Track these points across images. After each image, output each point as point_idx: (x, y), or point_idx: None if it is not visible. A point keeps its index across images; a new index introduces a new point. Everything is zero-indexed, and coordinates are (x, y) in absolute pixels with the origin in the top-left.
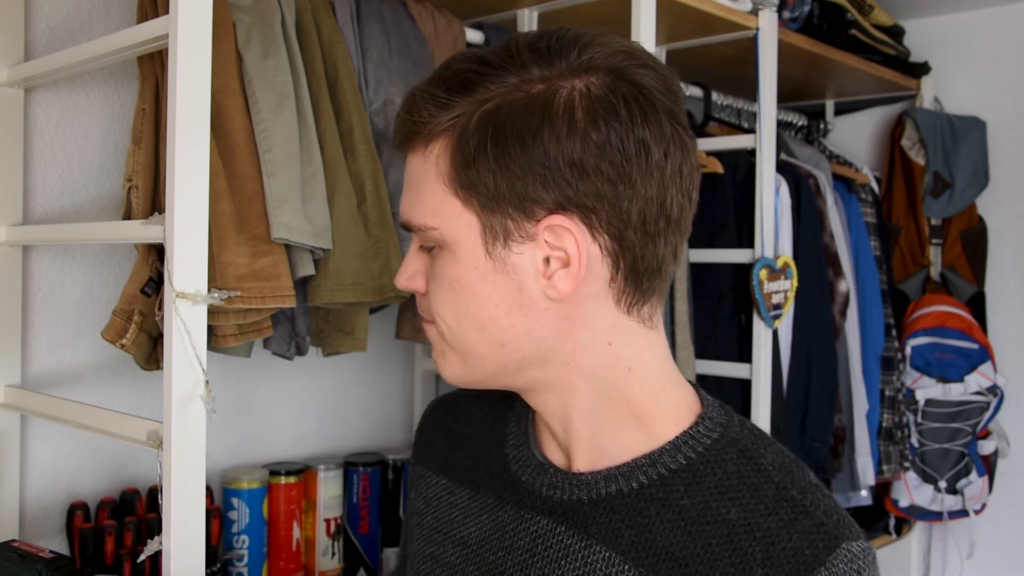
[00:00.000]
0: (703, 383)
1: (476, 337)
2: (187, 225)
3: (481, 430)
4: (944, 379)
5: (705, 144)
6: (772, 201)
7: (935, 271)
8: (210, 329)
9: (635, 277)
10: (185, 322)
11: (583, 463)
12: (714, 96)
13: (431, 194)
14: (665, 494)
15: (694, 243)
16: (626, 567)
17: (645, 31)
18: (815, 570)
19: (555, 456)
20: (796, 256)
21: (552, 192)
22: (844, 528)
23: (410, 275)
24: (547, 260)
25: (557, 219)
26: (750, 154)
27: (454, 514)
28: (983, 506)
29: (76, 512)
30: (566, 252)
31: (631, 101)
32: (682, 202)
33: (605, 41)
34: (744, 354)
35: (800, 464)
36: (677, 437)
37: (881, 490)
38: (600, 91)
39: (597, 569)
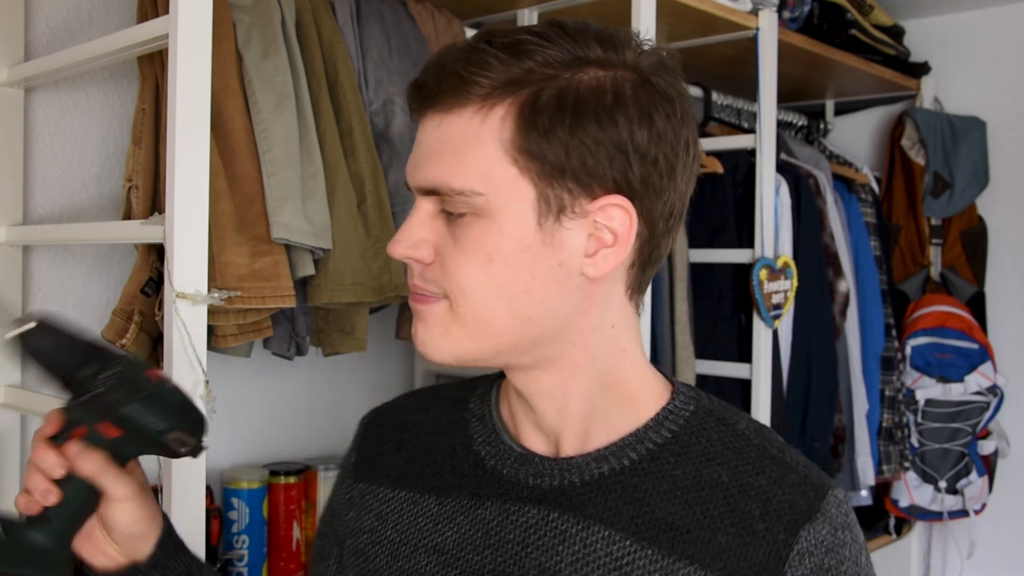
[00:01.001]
0: (703, 383)
1: (501, 310)
2: (187, 225)
3: (437, 436)
4: (944, 379)
5: (705, 144)
6: (772, 201)
7: (935, 271)
8: (210, 329)
9: (646, 267)
10: (185, 322)
11: (571, 447)
12: (714, 96)
13: (482, 158)
14: (657, 467)
15: (694, 243)
16: (627, 543)
17: (645, 31)
18: (812, 518)
19: (536, 445)
20: (796, 256)
21: (616, 173)
22: (824, 478)
23: (413, 243)
24: (588, 238)
25: (616, 199)
26: (750, 154)
27: (422, 523)
28: (983, 506)
29: None
30: (615, 233)
31: (682, 103)
32: (687, 202)
33: (650, 44)
34: (744, 354)
35: (768, 428)
36: (658, 413)
37: (881, 490)
38: (660, 86)
39: (597, 549)
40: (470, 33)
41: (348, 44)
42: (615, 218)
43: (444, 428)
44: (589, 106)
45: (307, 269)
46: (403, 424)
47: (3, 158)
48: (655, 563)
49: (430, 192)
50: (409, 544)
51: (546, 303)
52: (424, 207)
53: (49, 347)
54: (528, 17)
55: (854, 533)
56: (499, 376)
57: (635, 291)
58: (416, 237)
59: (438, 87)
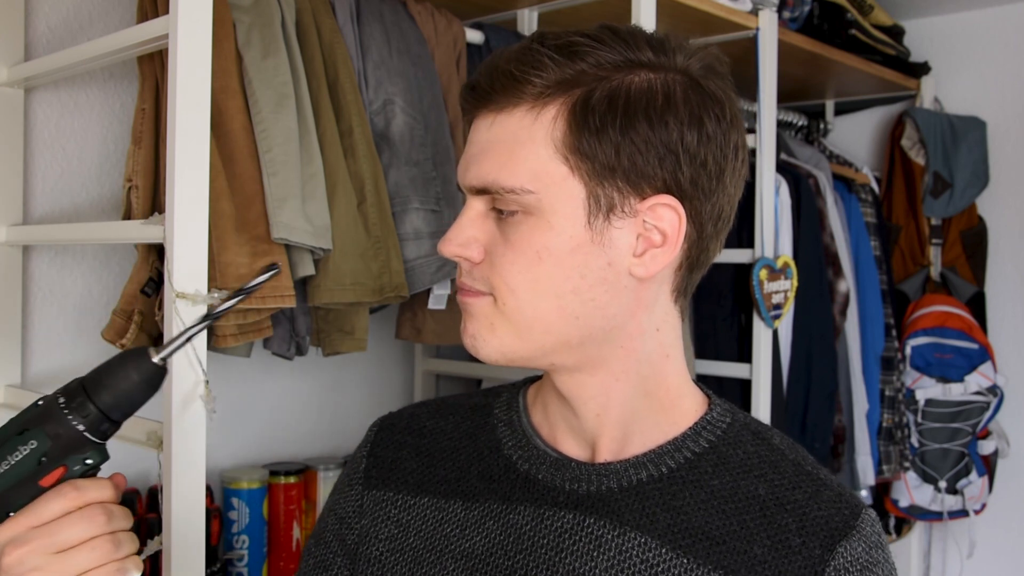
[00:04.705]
0: (703, 383)
1: (550, 308)
2: (187, 225)
3: (459, 441)
4: (944, 379)
5: None
6: (772, 201)
7: (935, 271)
8: (210, 329)
9: (694, 269)
10: (185, 322)
11: (608, 453)
12: None
13: (533, 157)
14: (696, 476)
15: None
16: (663, 550)
17: None
18: (847, 535)
19: (571, 449)
20: (796, 256)
21: (665, 173)
22: (857, 497)
23: (464, 242)
24: (637, 238)
25: (665, 198)
26: (750, 154)
27: (448, 529)
28: (983, 506)
29: None
30: (664, 232)
31: (732, 106)
32: (736, 206)
33: (701, 49)
34: (744, 354)
35: (800, 445)
36: (696, 423)
37: (881, 490)
38: (710, 89)
39: (633, 555)
40: (470, 33)
41: (348, 44)
42: (664, 218)
43: (468, 433)
44: (640, 107)
45: (307, 269)
46: (420, 430)
47: (3, 158)
48: (690, 572)
49: (481, 191)
50: (434, 551)
51: (595, 302)
52: (475, 206)
53: None
54: (528, 17)
55: (886, 553)
56: (525, 383)
57: (680, 294)
58: (466, 236)
59: (491, 87)
